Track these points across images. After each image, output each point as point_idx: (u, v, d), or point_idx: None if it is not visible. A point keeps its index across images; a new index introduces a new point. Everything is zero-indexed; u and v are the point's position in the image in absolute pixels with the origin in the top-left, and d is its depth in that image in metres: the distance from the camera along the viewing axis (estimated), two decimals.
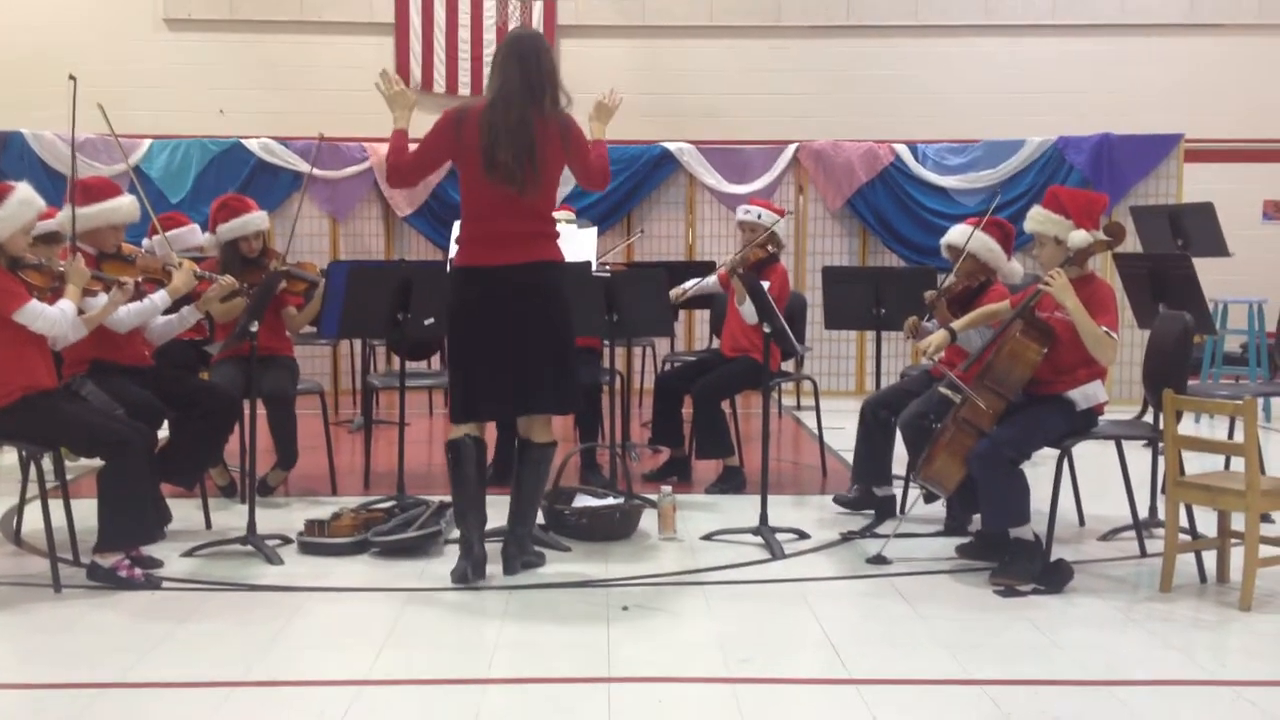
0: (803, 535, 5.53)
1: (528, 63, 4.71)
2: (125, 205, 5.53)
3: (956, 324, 5.36)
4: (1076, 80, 11.91)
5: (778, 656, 4.11)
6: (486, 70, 11.53)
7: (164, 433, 5.49)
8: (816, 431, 7.23)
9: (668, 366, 8.14)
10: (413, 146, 4.89)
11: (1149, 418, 5.49)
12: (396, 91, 4.98)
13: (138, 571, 4.77)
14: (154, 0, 11.62)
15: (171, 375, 5.70)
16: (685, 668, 3.97)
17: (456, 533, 5.04)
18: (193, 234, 6.87)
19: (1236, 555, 4.73)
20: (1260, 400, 7.97)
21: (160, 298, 5.40)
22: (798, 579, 4.94)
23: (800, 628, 4.36)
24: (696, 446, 6.74)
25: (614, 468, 6.10)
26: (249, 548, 5.14)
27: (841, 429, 7.30)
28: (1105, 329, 4.78)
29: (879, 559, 5.12)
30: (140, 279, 5.36)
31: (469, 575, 4.78)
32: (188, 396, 5.55)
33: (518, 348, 4.73)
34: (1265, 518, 4.86)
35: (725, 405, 6.71)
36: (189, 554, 5.15)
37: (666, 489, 5.68)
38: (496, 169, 4.65)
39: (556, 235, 4.87)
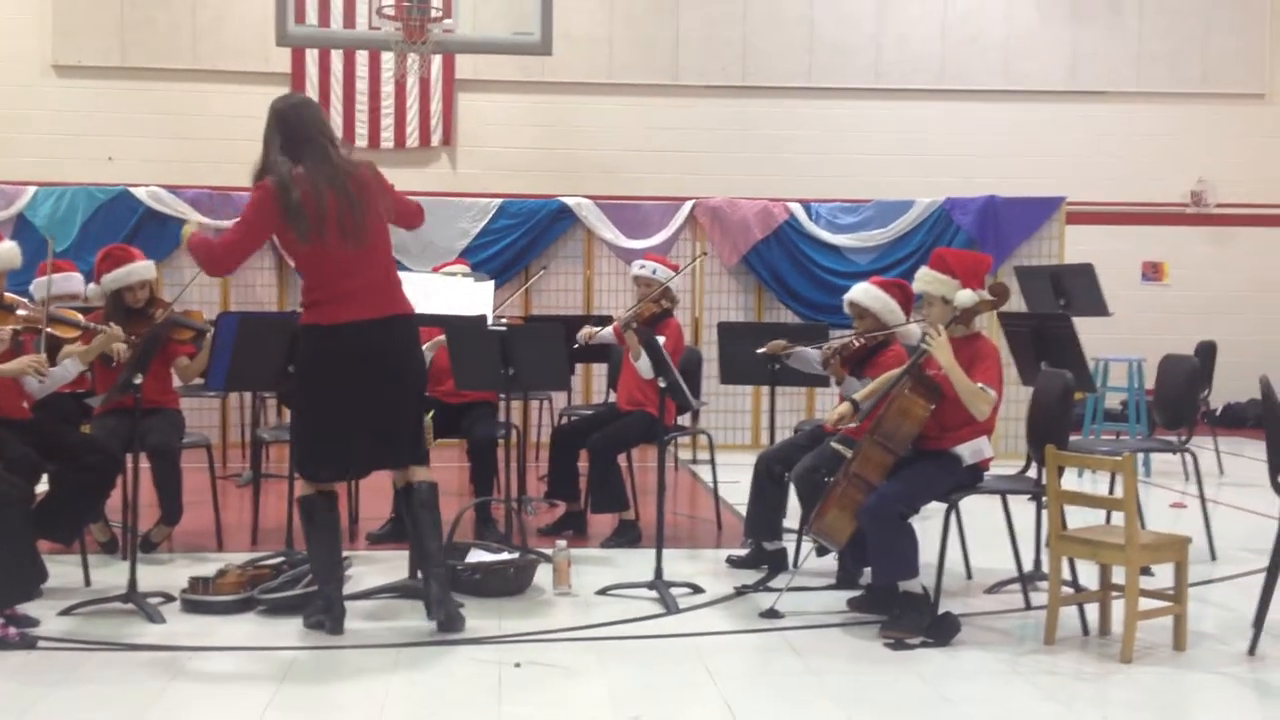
0: (697, 589, 5.53)
1: (297, 126, 4.73)
2: (3, 253, 5.37)
3: (859, 395, 5.43)
4: (963, 143, 12.28)
5: (670, 712, 4.10)
6: (385, 122, 11.80)
7: (43, 487, 5.33)
8: (712, 485, 7.27)
9: (564, 420, 8.13)
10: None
11: (1033, 473, 5.61)
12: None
13: (12, 630, 4.62)
14: (43, 46, 11.42)
15: (51, 428, 5.54)
16: None
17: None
18: (69, 281, 6.73)
19: (1118, 608, 4.84)
20: (1139, 456, 8.21)
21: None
22: (692, 634, 4.94)
23: (693, 683, 4.36)
24: (592, 500, 6.72)
25: (509, 522, 6.05)
26: (130, 606, 4.99)
27: (736, 483, 7.33)
28: (982, 385, 4.89)
29: (772, 613, 5.15)
30: (20, 328, 5.22)
31: (325, 627, 4.78)
32: (68, 450, 5.41)
33: (372, 405, 4.72)
34: (1145, 571, 4.98)
35: (621, 459, 6.71)
36: (67, 612, 4.99)
37: (561, 543, 5.66)
38: (328, 233, 4.63)
39: (399, 282, 4.86)
